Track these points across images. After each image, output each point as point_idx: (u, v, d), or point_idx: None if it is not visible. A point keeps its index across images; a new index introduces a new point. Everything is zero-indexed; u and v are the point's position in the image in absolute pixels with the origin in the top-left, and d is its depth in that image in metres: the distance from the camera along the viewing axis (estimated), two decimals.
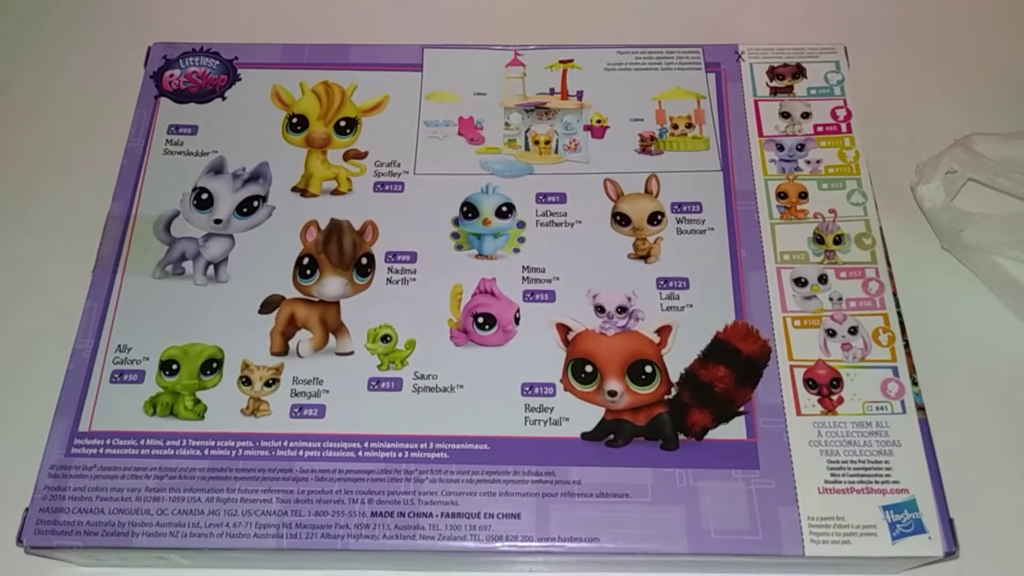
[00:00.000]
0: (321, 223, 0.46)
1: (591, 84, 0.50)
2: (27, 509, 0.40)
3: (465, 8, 0.58)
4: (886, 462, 0.40)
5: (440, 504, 0.39)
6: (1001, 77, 0.54)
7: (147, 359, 0.43)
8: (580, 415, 0.41)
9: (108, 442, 0.41)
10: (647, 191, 0.47)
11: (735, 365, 0.42)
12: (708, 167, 0.47)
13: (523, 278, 0.45)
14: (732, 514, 0.39)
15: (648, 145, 0.48)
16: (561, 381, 0.42)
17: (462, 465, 0.40)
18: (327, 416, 0.42)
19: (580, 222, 0.46)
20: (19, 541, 0.39)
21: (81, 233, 0.48)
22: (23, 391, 0.46)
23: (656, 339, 0.43)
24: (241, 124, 0.50)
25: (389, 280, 0.45)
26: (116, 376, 0.43)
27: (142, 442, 0.41)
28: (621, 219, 0.46)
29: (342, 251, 0.46)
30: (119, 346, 0.43)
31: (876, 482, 0.39)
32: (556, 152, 0.48)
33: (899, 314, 0.43)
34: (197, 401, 0.42)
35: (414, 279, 0.45)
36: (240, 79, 0.51)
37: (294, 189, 0.48)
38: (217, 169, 0.48)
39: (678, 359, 0.42)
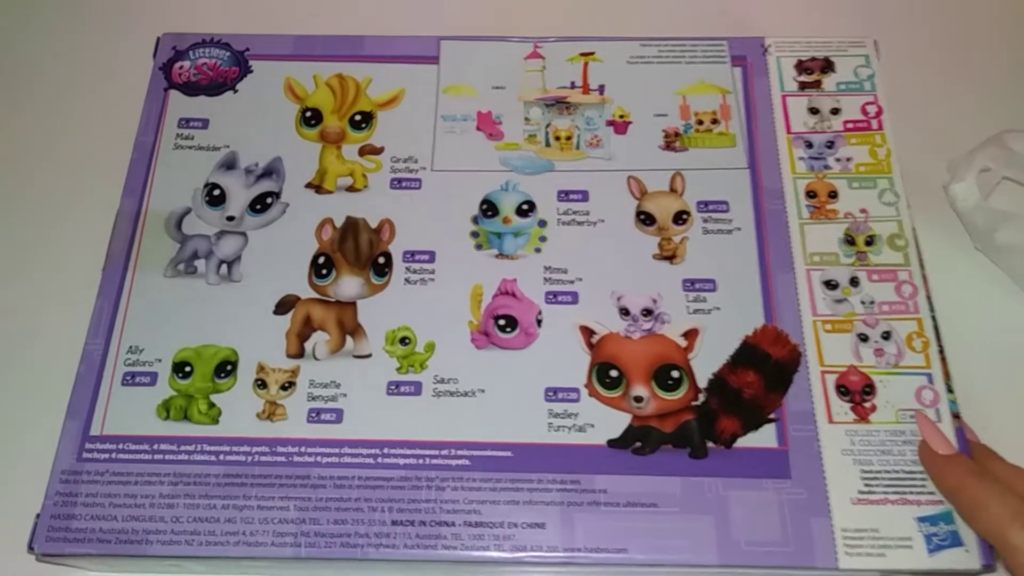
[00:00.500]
0: (336, 221, 0.45)
1: (613, 78, 0.49)
2: (38, 515, 0.39)
3: None
4: (921, 472, 0.39)
5: (462, 513, 0.38)
6: None
7: (159, 361, 0.42)
8: (605, 421, 0.40)
9: (120, 446, 0.40)
10: (672, 189, 0.46)
11: (764, 370, 0.41)
12: (734, 164, 0.46)
13: (545, 279, 0.44)
14: (763, 525, 0.38)
15: (672, 141, 0.47)
16: (586, 386, 0.41)
17: (485, 473, 0.39)
18: (345, 421, 0.41)
19: (603, 221, 0.45)
20: (30, 548, 0.38)
21: (90, 230, 0.46)
22: (32, 393, 0.45)
23: (683, 343, 0.42)
24: (253, 118, 0.48)
25: (407, 280, 0.44)
26: (128, 378, 0.42)
27: (155, 446, 0.40)
28: (645, 218, 0.45)
29: (359, 250, 0.44)
30: (131, 347, 0.42)
31: (911, 493, 0.38)
32: (577, 148, 0.47)
33: (933, 318, 0.42)
34: (211, 405, 0.41)
35: (433, 279, 0.44)
36: (252, 71, 0.50)
37: (308, 185, 0.46)
38: (229, 164, 0.47)
39: (705, 364, 0.41)
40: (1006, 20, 0.55)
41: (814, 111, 0.47)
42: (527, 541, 0.38)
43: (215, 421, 0.41)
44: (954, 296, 0.45)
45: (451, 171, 0.46)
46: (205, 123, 0.48)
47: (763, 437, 0.40)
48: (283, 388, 0.41)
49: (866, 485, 0.38)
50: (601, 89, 0.48)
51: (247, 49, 0.50)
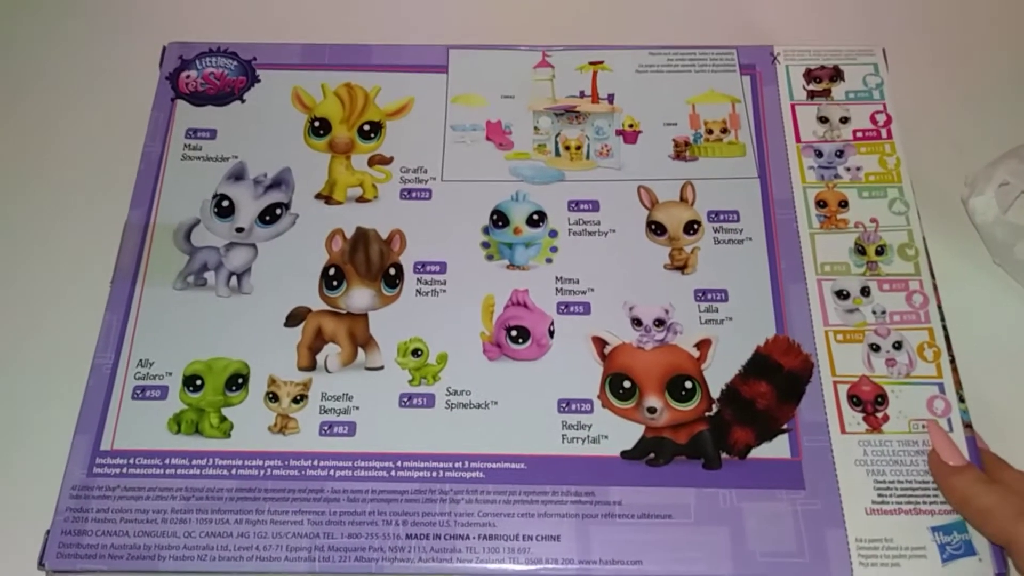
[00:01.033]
0: (347, 232, 0.45)
1: (622, 87, 0.49)
2: (48, 532, 0.38)
3: (491, 7, 0.56)
4: (934, 482, 0.39)
5: (477, 526, 0.38)
6: None
7: (170, 374, 0.42)
8: (619, 433, 0.40)
9: (131, 461, 0.40)
10: (682, 199, 0.46)
11: (777, 381, 0.41)
12: (745, 174, 0.46)
13: (556, 289, 0.43)
14: (778, 536, 0.38)
15: (682, 151, 0.47)
16: (599, 397, 0.41)
17: (499, 485, 0.39)
18: (358, 434, 0.40)
19: (614, 231, 0.45)
20: (41, 565, 0.38)
21: (98, 242, 0.46)
22: (41, 407, 0.44)
23: (695, 353, 0.42)
24: (261, 128, 0.48)
25: (418, 291, 0.44)
26: (138, 392, 0.41)
27: (167, 461, 0.40)
28: (656, 228, 0.45)
29: (369, 261, 0.44)
30: (140, 360, 0.42)
31: (924, 503, 0.38)
32: (587, 158, 0.47)
33: (944, 328, 0.42)
34: (223, 418, 0.41)
35: (444, 290, 0.44)
36: (259, 80, 0.49)
37: (318, 196, 0.46)
38: (238, 175, 0.47)
39: (718, 374, 0.41)
40: (1015, 29, 0.55)
41: (823, 120, 0.47)
42: (542, 554, 0.38)
43: (227, 435, 0.40)
44: (972, 309, 0.45)
45: (461, 181, 0.46)
46: (213, 133, 0.48)
47: (776, 448, 0.40)
48: (295, 401, 0.41)
49: (879, 495, 0.39)
50: (610, 98, 0.48)
51: (254, 58, 0.50)
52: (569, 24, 0.55)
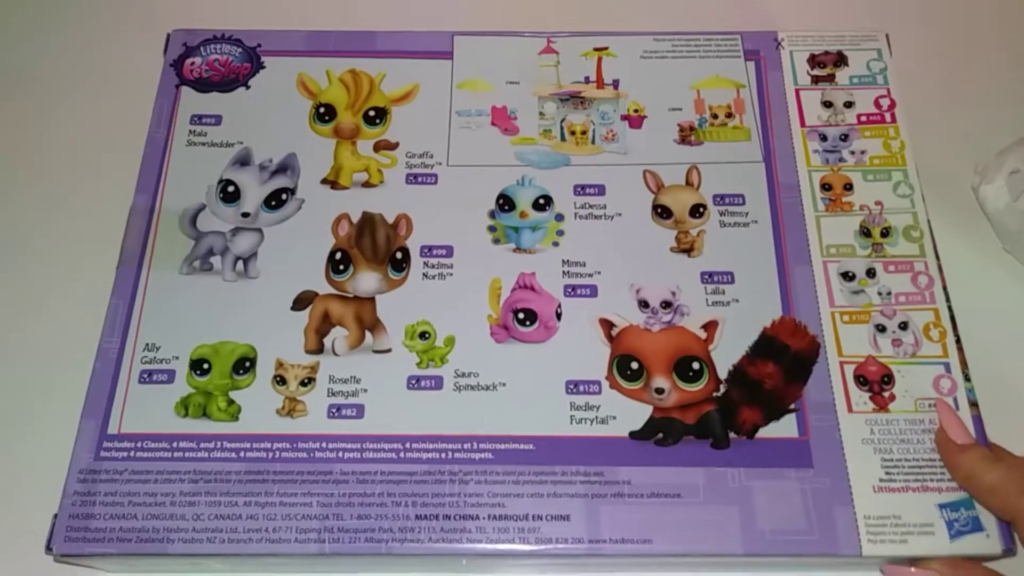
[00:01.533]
0: (353, 216, 0.45)
1: (627, 72, 0.49)
2: (56, 516, 0.38)
3: None
4: (941, 460, 0.39)
5: (487, 506, 0.38)
6: None
7: (177, 358, 0.42)
8: (627, 413, 0.40)
9: (139, 444, 0.40)
10: (688, 183, 0.46)
11: (784, 361, 0.41)
12: (750, 158, 0.46)
13: (563, 272, 0.44)
14: (787, 514, 0.38)
15: (687, 135, 0.47)
16: (607, 378, 0.41)
17: (508, 466, 0.39)
18: (366, 416, 0.40)
19: (620, 215, 0.45)
20: (48, 549, 0.38)
21: (104, 227, 0.46)
22: (48, 392, 0.44)
23: (703, 335, 0.42)
24: (266, 114, 0.48)
25: (425, 275, 0.44)
26: (145, 376, 0.41)
27: (175, 444, 0.40)
28: (662, 212, 0.45)
29: (376, 245, 0.44)
30: (147, 345, 0.42)
31: (932, 480, 0.39)
32: (593, 142, 0.47)
33: (950, 308, 0.42)
34: (231, 402, 0.41)
35: (451, 274, 0.44)
36: (264, 67, 0.49)
37: (324, 181, 0.46)
38: (243, 161, 0.47)
39: (725, 355, 0.41)
40: (1021, 16, 0.56)
41: (828, 104, 0.47)
42: (552, 533, 0.38)
43: (235, 418, 0.40)
44: (983, 295, 0.45)
45: (467, 166, 0.46)
46: (218, 119, 0.48)
47: (784, 427, 0.40)
48: (303, 384, 0.41)
49: (887, 473, 0.39)
50: (615, 84, 0.49)
51: (259, 45, 0.50)
52: (574, 10, 0.55)
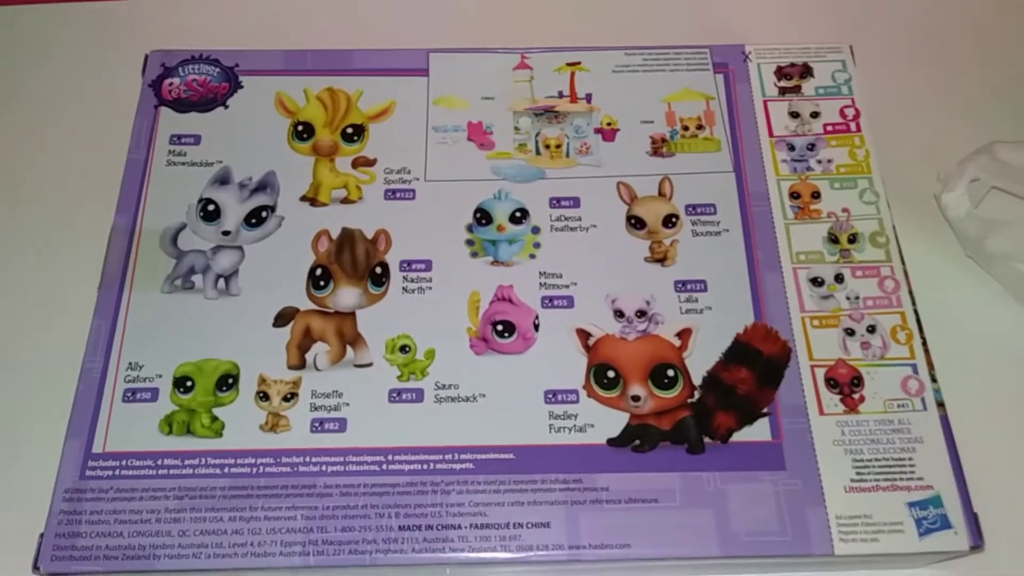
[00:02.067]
0: (332, 232, 0.46)
1: (599, 86, 0.50)
2: (42, 535, 0.39)
3: (469, 12, 0.57)
4: (910, 459, 0.40)
5: (468, 515, 0.39)
6: (1009, 82, 0.54)
7: (160, 376, 0.42)
8: (605, 421, 0.41)
9: (124, 463, 0.40)
10: (660, 194, 0.47)
11: (756, 366, 0.42)
12: (720, 168, 0.48)
13: (540, 284, 0.44)
14: (761, 516, 0.39)
15: (659, 147, 0.48)
16: (584, 387, 0.42)
17: (488, 475, 0.40)
18: (348, 429, 0.41)
19: (595, 226, 0.46)
20: (35, 568, 0.38)
21: (84, 248, 0.46)
22: (33, 413, 0.44)
23: (677, 342, 0.43)
24: (245, 133, 0.49)
25: (405, 289, 0.44)
26: (129, 395, 0.42)
27: (159, 462, 0.40)
28: (636, 222, 0.46)
29: (355, 261, 0.45)
30: (130, 364, 0.42)
31: (901, 479, 0.40)
32: (567, 156, 0.48)
33: (916, 312, 0.43)
34: (214, 418, 0.41)
35: (430, 287, 0.44)
36: (242, 87, 0.50)
37: (303, 198, 0.47)
38: (223, 179, 0.47)
39: (699, 362, 0.42)
40: (982, 26, 0.57)
41: (795, 115, 0.49)
42: (533, 540, 0.38)
43: (218, 434, 0.41)
44: (946, 300, 0.47)
45: (444, 181, 0.47)
46: (197, 139, 0.48)
47: (758, 431, 0.41)
48: (285, 399, 0.42)
49: (858, 474, 0.40)
50: (588, 98, 0.50)
51: (236, 65, 0.51)
52: (546, 27, 0.56)
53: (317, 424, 0.41)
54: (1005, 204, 0.48)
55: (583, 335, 0.43)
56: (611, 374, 0.42)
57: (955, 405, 0.42)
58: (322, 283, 0.44)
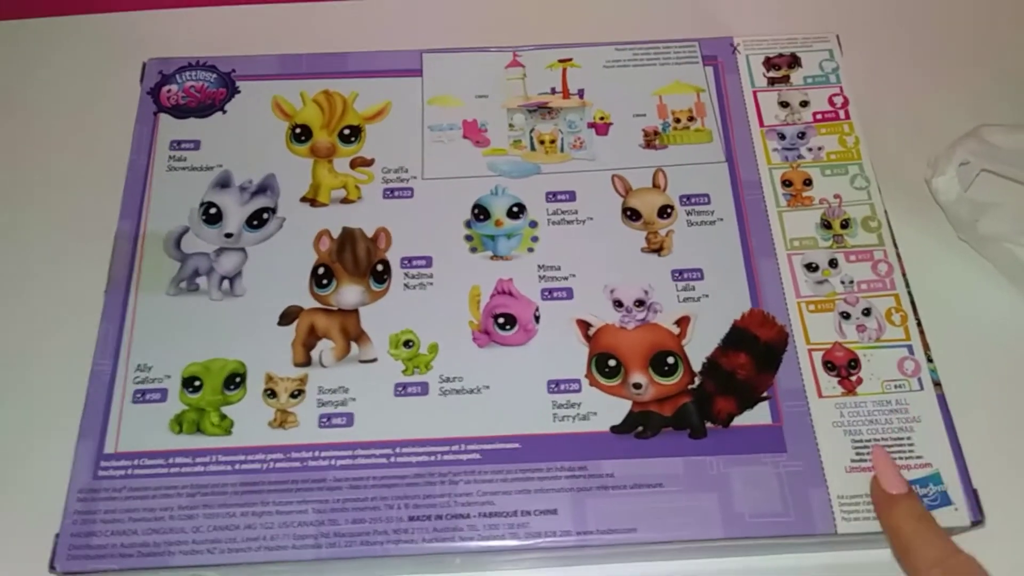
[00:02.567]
0: (333, 232, 0.46)
1: (591, 82, 0.51)
2: (57, 535, 0.39)
3: (461, 11, 0.58)
4: (908, 438, 0.41)
5: (476, 504, 0.40)
6: (995, 66, 0.55)
7: (168, 377, 0.43)
8: (607, 409, 0.42)
9: (136, 462, 0.41)
10: (655, 185, 0.48)
11: (755, 352, 0.43)
12: (713, 159, 0.48)
13: (540, 276, 0.45)
14: (764, 497, 0.40)
15: (652, 140, 0.49)
16: (586, 376, 0.43)
17: (495, 465, 0.41)
18: (356, 424, 0.42)
19: (591, 219, 0.47)
20: (52, 568, 0.39)
21: (90, 253, 0.47)
22: (45, 416, 0.45)
23: (676, 330, 0.44)
24: (244, 137, 0.49)
25: (406, 285, 0.45)
26: (138, 395, 0.42)
27: (170, 460, 0.41)
28: (631, 214, 0.47)
29: (357, 259, 0.46)
30: (139, 365, 0.43)
31: (900, 458, 0.40)
32: (562, 151, 0.49)
33: (910, 294, 0.44)
34: (223, 416, 0.42)
35: (431, 283, 0.45)
36: (239, 91, 0.51)
37: (303, 199, 0.48)
38: (223, 183, 0.48)
39: (698, 349, 0.43)
40: (967, 11, 0.58)
41: (784, 104, 0.49)
42: (541, 528, 0.39)
43: (228, 432, 0.42)
44: (940, 282, 0.47)
45: (441, 179, 0.48)
46: (197, 144, 0.49)
47: (758, 415, 0.42)
48: (293, 396, 0.42)
49: (857, 454, 0.41)
50: (581, 93, 0.50)
51: (233, 70, 0.51)
52: (538, 24, 0.57)
53: (325, 419, 0.42)
54: (995, 186, 0.49)
55: (583, 325, 0.44)
56: (612, 363, 0.43)
57: (951, 384, 0.42)
58: (325, 282, 0.45)
